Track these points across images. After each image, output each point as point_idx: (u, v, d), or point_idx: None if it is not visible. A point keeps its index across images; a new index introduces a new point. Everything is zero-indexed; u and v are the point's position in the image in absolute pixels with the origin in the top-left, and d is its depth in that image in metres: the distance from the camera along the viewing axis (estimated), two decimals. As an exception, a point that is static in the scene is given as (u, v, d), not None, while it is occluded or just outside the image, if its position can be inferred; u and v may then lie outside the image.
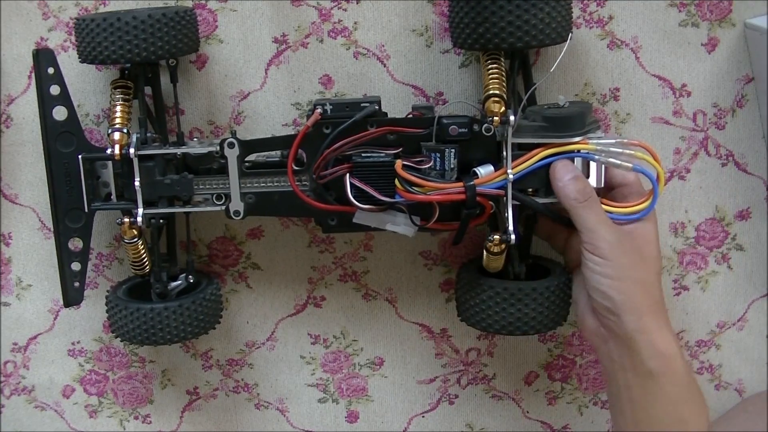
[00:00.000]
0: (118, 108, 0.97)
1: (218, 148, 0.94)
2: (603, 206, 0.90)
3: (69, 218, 0.98)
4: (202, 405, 1.15)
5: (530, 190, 0.92)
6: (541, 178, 0.91)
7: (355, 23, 1.02)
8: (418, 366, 1.13)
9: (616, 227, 0.89)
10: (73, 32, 0.96)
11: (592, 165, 0.91)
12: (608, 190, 0.94)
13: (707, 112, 1.04)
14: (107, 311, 1.02)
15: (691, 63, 1.03)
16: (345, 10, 1.02)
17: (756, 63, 1.02)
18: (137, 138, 0.95)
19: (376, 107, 0.91)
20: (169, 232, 1.03)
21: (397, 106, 1.03)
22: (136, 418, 1.16)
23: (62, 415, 1.17)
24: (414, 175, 0.88)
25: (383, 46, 1.03)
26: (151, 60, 0.93)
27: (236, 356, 1.13)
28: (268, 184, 0.95)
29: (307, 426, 1.16)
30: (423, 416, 1.15)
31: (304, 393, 1.14)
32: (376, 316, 1.11)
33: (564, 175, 0.89)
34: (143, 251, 0.99)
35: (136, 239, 0.97)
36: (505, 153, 0.90)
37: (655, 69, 1.03)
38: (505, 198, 0.90)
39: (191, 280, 1.03)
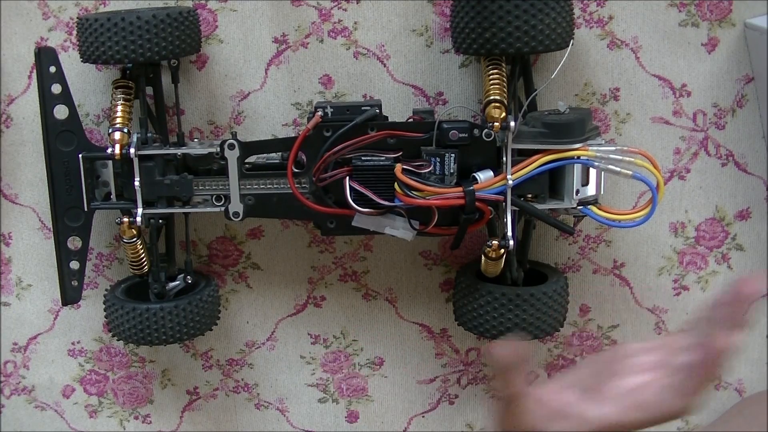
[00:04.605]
0: (119, 108, 0.97)
1: (218, 149, 0.94)
2: (602, 211, 0.90)
3: (68, 217, 0.98)
4: (202, 405, 1.16)
5: (529, 195, 0.92)
6: (540, 184, 0.91)
7: (355, 23, 1.02)
8: (418, 366, 1.13)
9: None
10: (76, 32, 0.96)
11: (592, 172, 0.91)
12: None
13: (707, 112, 1.04)
14: (105, 310, 1.02)
15: (691, 63, 1.03)
16: (345, 10, 1.02)
17: (756, 63, 1.02)
18: (138, 138, 0.95)
19: (377, 111, 0.91)
20: (168, 233, 1.03)
21: (397, 106, 1.03)
22: (136, 418, 1.17)
23: (62, 415, 1.17)
24: (414, 179, 0.88)
25: (383, 46, 1.02)
26: (154, 60, 0.93)
27: (236, 356, 1.13)
28: (268, 186, 0.95)
29: (307, 426, 1.16)
30: (423, 416, 1.15)
31: (304, 393, 1.15)
32: (376, 316, 1.11)
33: None
34: (142, 251, 0.99)
35: (134, 239, 0.97)
36: (504, 158, 0.90)
37: (655, 69, 1.03)
38: (504, 203, 0.90)
39: (189, 281, 1.03)
